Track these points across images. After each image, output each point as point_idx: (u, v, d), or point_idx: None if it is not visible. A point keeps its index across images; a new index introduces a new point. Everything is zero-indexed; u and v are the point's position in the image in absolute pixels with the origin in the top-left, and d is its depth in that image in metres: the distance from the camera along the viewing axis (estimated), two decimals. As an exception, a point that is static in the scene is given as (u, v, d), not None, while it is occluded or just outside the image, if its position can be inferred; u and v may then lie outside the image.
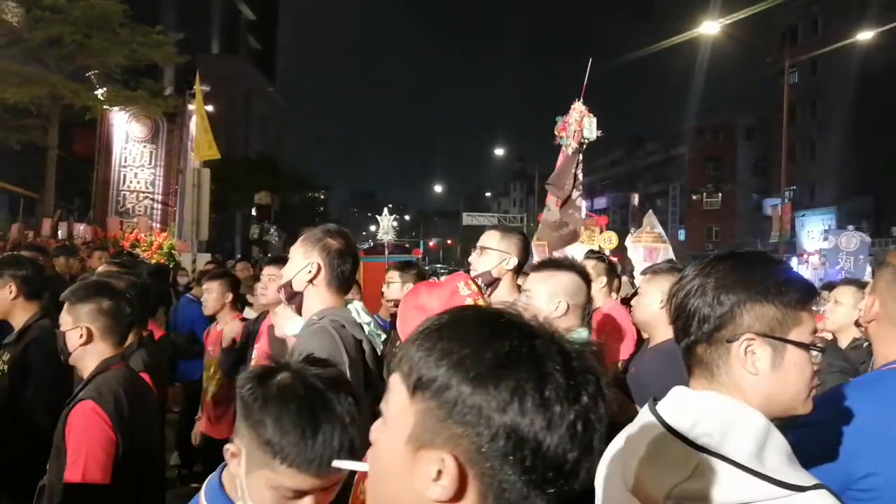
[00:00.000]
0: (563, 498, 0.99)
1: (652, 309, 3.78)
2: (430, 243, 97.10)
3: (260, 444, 1.58)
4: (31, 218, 17.01)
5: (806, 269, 35.58)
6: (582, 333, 3.20)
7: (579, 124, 7.22)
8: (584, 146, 7.45)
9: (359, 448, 1.57)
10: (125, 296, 3.32)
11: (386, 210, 28.93)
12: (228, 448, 1.66)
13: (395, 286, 5.77)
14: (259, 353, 4.69)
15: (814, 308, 1.58)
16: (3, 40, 16.85)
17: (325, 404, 1.61)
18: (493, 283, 3.65)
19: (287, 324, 3.02)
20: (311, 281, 2.91)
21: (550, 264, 3.41)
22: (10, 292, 4.19)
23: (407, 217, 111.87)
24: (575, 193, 7.46)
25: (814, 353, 1.52)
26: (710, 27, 24.20)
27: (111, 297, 3.18)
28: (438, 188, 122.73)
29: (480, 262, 3.68)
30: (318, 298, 2.93)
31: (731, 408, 1.49)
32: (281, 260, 5.19)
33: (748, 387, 1.52)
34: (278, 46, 57.14)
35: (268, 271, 5.04)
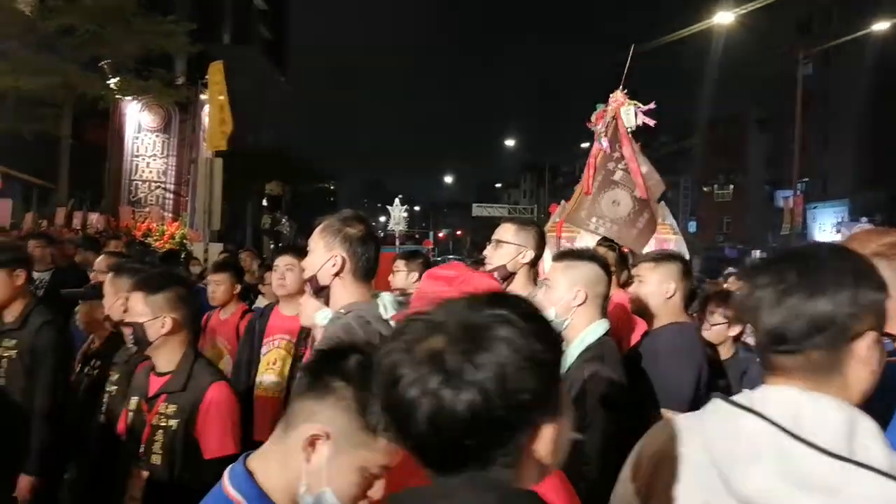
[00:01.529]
0: None
1: (659, 296, 3.79)
2: (440, 234, 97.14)
3: (362, 425, 1.59)
4: (45, 207, 17.10)
5: (818, 261, 35.51)
6: (604, 325, 3.19)
7: (616, 113, 7.07)
8: (631, 131, 7.18)
9: None
10: (191, 282, 3.40)
11: (397, 200, 28.88)
12: (311, 431, 1.63)
13: (400, 275, 5.79)
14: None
15: None
16: (16, 30, 16.89)
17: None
18: (508, 276, 3.66)
19: (316, 314, 3.03)
20: (336, 274, 2.90)
21: (571, 254, 3.40)
22: (18, 279, 4.23)
23: (417, 208, 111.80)
24: (644, 167, 7.06)
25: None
26: (723, 17, 24.08)
27: (184, 284, 3.27)
28: (448, 179, 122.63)
29: (496, 255, 3.69)
30: (346, 291, 2.92)
31: (843, 409, 1.44)
32: (296, 249, 5.15)
33: (857, 387, 1.47)
34: (290, 36, 57.12)
35: (283, 261, 5.01)
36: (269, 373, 4.78)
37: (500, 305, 1.20)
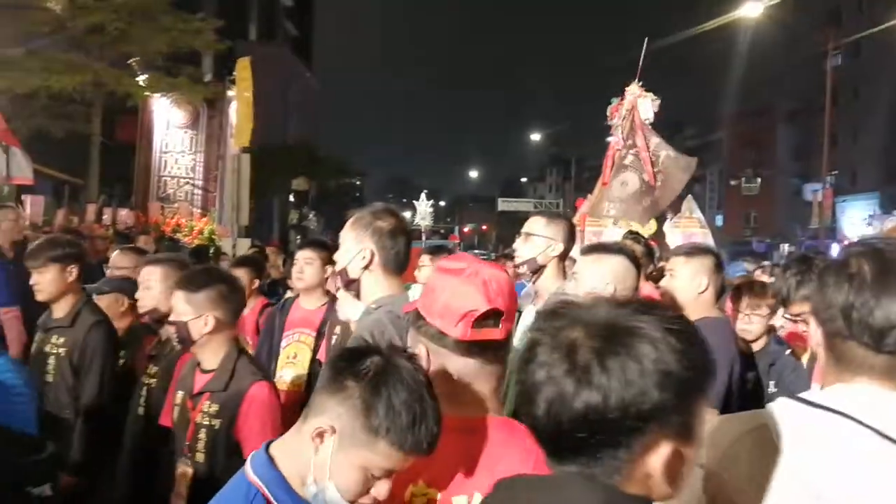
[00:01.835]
0: None
1: (691, 290, 3.73)
2: (465, 229, 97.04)
3: (364, 426, 1.62)
4: (76, 204, 17.32)
5: (848, 255, 35.03)
6: None
7: (633, 105, 7.07)
8: (649, 123, 7.20)
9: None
10: (234, 279, 3.41)
11: (423, 195, 28.79)
12: (319, 427, 1.66)
13: (426, 269, 5.79)
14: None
15: None
16: (47, 28, 17.11)
17: (427, 390, 1.65)
18: (538, 269, 3.63)
19: (348, 309, 3.04)
20: (366, 267, 2.88)
21: (600, 248, 3.42)
22: (71, 275, 4.22)
23: (442, 203, 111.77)
24: (664, 153, 7.14)
25: None
26: (752, 9, 23.82)
27: (226, 281, 3.25)
28: (473, 174, 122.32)
29: (525, 248, 3.66)
30: (377, 285, 2.90)
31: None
32: (316, 243, 5.21)
33: None
34: (315, 32, 57.27)
35: (303, 255, 4.99)
36: (288, 366, 4.77)
37: (648, 312, 1.21)
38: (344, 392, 1.65)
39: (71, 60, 17.01)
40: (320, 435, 1.66)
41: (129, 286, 5.04)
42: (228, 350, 3.12)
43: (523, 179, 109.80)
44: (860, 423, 1.42)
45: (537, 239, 3.61)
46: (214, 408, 2.99)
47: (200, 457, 2.95)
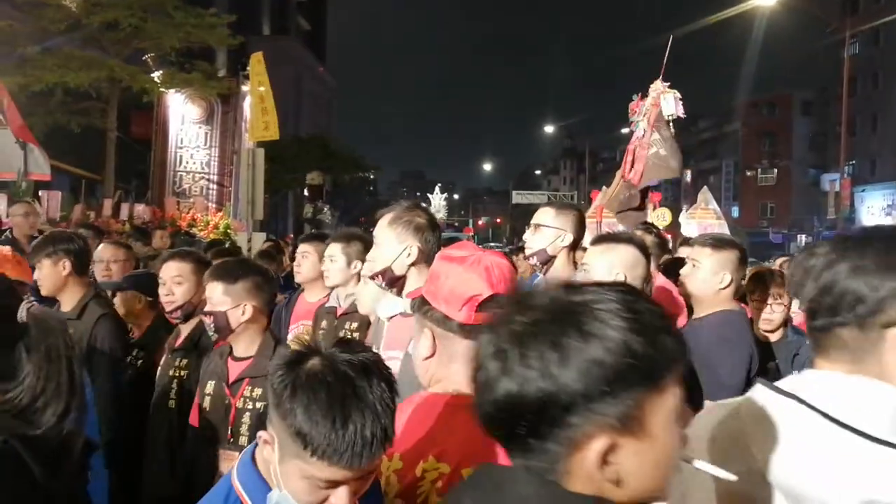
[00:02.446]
0: None
1: (712, 285, 3.62)
2: (479, 222, 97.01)
3: (290, 434, 1.51)
4: (92, 199, 17.44)
5: (866, 245, 34.82)
6: None
7: (655, 102, 7.07)
8: (671, 122, 7.23)
9: (392, 437, 1.54)
10: (267, 269, 3.47)
11: (437, 188, 28.83)
12: (261, 435, 1.61)
13: None
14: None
15: None
16: (63, 25, 17.24)
17: (356, 392, 1.52)
18: (548, 260, 3.66)
19: (381, 304, 3.05)
20: (413, 264, 2.94)
21: (609, 238, 3.40)
22: (64, 268, 4.22)
23: (456, 196, 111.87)
24: (655, 137, 7.24)
25: None
26: (766, -2, 23.64)
27: (260, 272, 3.33)
28: (487, 166, 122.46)
29: (535, 239, 3.70)
30: (422, 279, 2.87)
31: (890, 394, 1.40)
32: (314, 237, 5.22)
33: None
34: (328, 26, 57.36)
35: (302, 248, 5.00)
36: None
37: (603, 297, 1.15)
38: (276, 399, 1.56)
39: (86, 57, 17.14)
40: (266, 443, 1.60)
41: (149, 282, 5.06)
42: (265, 337, 3.22)
43: (537, 172, 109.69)
44: (811, 406, 1.39)
45: (546, 230, 3.65)
46: (258, 392, 3.04)
47: (244, 440, 2.98)
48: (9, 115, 10.49)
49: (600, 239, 3.41)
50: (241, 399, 3.08)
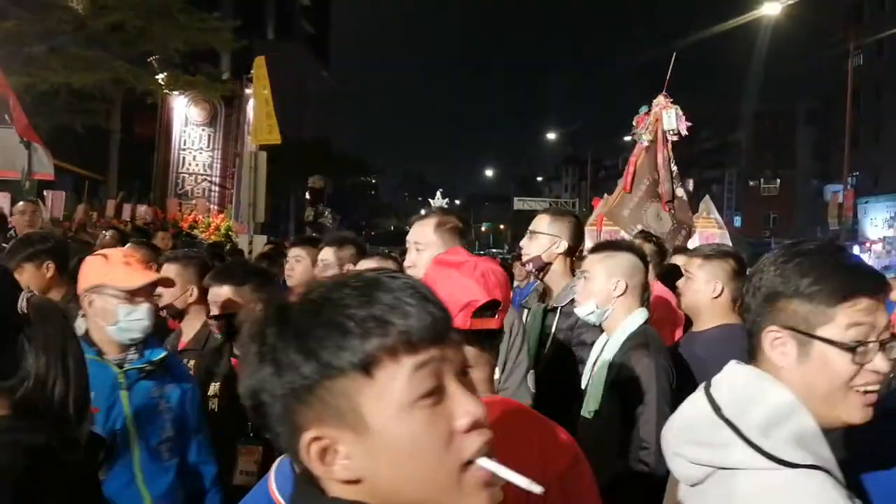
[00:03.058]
0: None
1: (704, 295, 3.60)
2: (482, 228, 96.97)
3: None
4: (95, 199, 17.48)
5: (869, 257, 34.69)
6: (643, 314, 3.23)
7: (658, 117, 7.07)
8: (669, 138, 7.21)
9: None
10: (269, 270, 3.52)
11: (439, 193, 28.83)
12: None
13: None
14: None
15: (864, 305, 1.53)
16: (69, 27, 17.29)
17: None
18: (543, 267, 3.71)
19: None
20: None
21: (608, 245, 3.43)
22: (48, 270, 4.11)
23: (457, 201, 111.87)
24: (679, 191, 7.33)
25: (858, 353, 1.49)
26: (771, 7, 23.66)
27: (264, 273, 3.48)
28: (489, 172, 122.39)
29: (530, 245, 3.75)
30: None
31: (759, 383, 1.56)
32: (309, 241, 5.24)
33: (782, 376, 1.56)
34: (332, 31, 57.50)
35: (295, 252, 5.01)
36: None
37: (333, 286, 1.07)
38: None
39: (92, 58, 17.18)
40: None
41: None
42: None
43: (539, 178, 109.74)
44: (708, 395, 1.59)
45: (542, 237, 3.69)
46: None
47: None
48: (14, 115, 10.50)
49: (600, 246, 3.44)
50: None
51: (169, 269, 3.94)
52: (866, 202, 44.46)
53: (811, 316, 1.53)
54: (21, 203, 8.50)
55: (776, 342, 1.57)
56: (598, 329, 3.32)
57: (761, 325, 1.60)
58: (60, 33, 17.19)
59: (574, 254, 3.81)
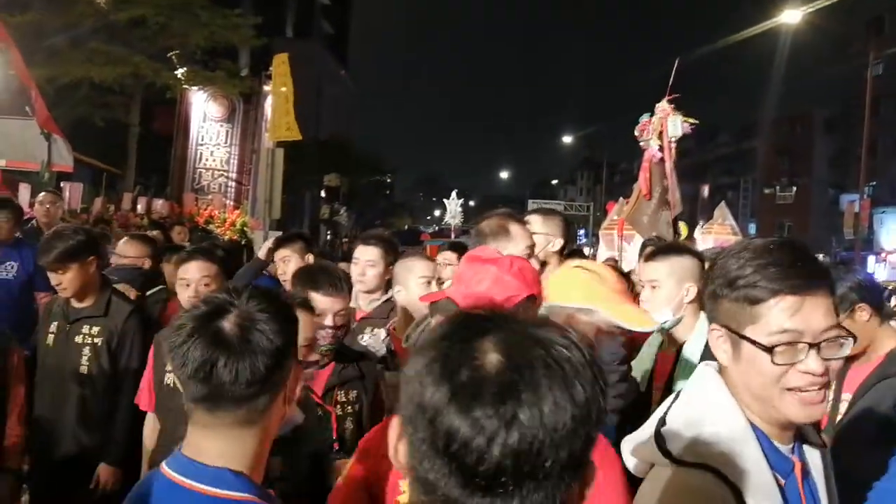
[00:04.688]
0: None
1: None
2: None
3: None
4: (112, 192, 17.60)
5: (884, 267, 34.44)
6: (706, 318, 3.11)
7: (662, 124, 7.02)
8: (674, 143, 7.17)
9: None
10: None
11: (454, 194, 28.72)
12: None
13: (450, 268, 5.83)
14: None
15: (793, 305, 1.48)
16: (91, 21, 17.44)
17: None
18: (540, 266, 3.59)
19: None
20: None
21: (669, 250, 3.30)
22: (93, 267, 4.10)
23: (472, 203, 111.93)
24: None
25: (778, 354, 1.47)
26: (791, 16, 23.55)
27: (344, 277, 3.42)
28: (504, 174, 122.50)
29: None
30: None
31: (698, 384, 1.62)
32: (298, 237, 5.22)
33: (726, 375, 1.58)
34: (350, 30, 57.65)
35: (283, 253, 4.94)
36: None
37: None
38: None
39: (113, 52, 17.32)
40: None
41: (137, 276, 5.05)
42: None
43: (554, 181, 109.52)
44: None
45: (537, 236, 3.59)
46: (353, 394, 3.10)
47: (349, 443, 2.94)
48: (35, 107, 10.62)
49: (659, 252, 3.28)
50: (338, 405, 3.03)
51: (210, 269, 3.82)
52: (883, 212, 44.10)
53: (739, 314, 1.51)
54: (42, 194, 8.57)
55: (718, 340, 1.57)
56: None
57: (710, 322, 1.61)
58: (82, 27, 17.34)
59: (563, 252, 3.78)
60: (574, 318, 2.22)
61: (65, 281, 3.97)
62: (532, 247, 3.15)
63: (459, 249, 6.02)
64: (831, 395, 3.03)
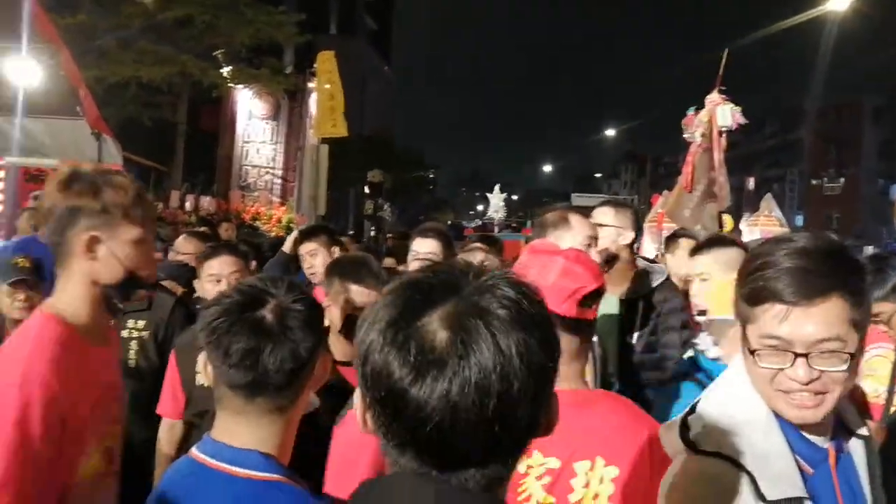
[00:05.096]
0: None
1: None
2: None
3: None
4: (160, 190, 17.90)
5: (935, 259, 33.59)
6: None
7: (711, 115, 6.91)
8: (724, 134, 7.05)
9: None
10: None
11: (497, 188, 28.63)
12: None
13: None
14: None
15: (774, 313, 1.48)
16: (139, 21, 17.70)
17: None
18: (611, 258, 3.64)
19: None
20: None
21: (715, 242, 3.32)
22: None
23: (514, 197, 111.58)
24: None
25: (761, 357, 1.49)
26: (838, 3, 23.08)
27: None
28: (546, 168, 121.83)
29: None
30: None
31: (726, 377, 1.67)
32: (323, 230, 5.11)
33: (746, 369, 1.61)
34: (394, 26, 57.75)
35: (310, 247, 4.89)
36: None
37: None
38: None
39: (160, 52, 17.58)
40: None
41: (184, 272, 5.03)
42: None
43: (597, 175, 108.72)
44: None
45: (608, 229, 3.62)
46: None
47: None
48: (85, 107, 10.81)
49: (706, 244, 3.30)
50: None
51: (238, 263, 3.82)
52: (935, 203, 43.07)
53: (743, 310, 1.54)
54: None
55: (736, 335, 1.60)
56: (682, 313, 3.38)
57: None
58: (130, 27, 17.62)
59: (633, 245, 3.81)
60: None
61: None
62: (593, 238, 3.14)
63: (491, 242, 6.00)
64: (881, 388, 3.02)
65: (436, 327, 0.96)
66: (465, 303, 0.98)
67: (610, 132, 76.34)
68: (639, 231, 3.84)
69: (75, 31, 14.92)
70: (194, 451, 1.63)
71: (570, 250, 1.98)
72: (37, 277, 3.92)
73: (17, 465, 1.77)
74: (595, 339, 3.14)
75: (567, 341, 1.81)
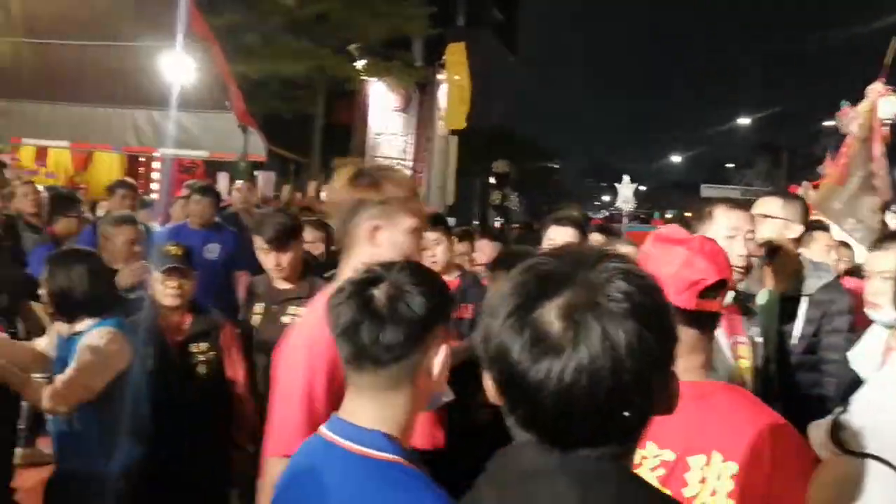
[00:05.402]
0: None
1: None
2: (667, 215, 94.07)
3: None
4: (298, 181, 18.55)
5: None
6: None
7: (873, 105, 6.55)
8: (886, 126, 6.69)
9: None
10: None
11: (627, 178, 27.89)
12: None
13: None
14: None
15: None
16: (280, 19, 18.38)
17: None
18: (774, 252, 3.48)
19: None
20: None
21: (892, 238, 3.11)
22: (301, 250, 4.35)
23: (642, 187, 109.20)
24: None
25: None
26: None
27: None
28: (676, 159, 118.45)
29: (761, 229, 3.39)
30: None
31: (887, 372, 1.75)
32: (437, 220, 4.93)
33: None
34: (520, 17, 57.52)
35: (432, 236, 4.70)
36: None
37: None
38: None
39: (299, 48, 18.20)
40: None
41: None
42: None
43: (729, 165, 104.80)
44: None
45: (774, 221, 3.46)
46: None
47: None
48: (234, 101, 11.28)
49: (884, 240, 3.10)
50: None
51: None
52: None
53: None
54: (240, 182, 9.33)
55: None
56: (849, 313, 3.26)
57: None
58: (271, 24, 18.32)
59: (800, 240, 3.63)
60: None
61: (284, 261, 4.11)
62: (739, 229, 2.93)
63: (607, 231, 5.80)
64: None
65: (551, 318, 1.02)
66: (579, 295, 1.02)
67: (743, 121, 73.45)
68: (807, 225, 3.65)
69: (223, 29, 15.66)
70: (322, 429, 1.74)
71: (696, 239, 1.90)
72: (187, 265, 4.00)
73: (306, 415, 2.07)
74: (760, 339, 3.06)
75: (685, 333, 1.74)
